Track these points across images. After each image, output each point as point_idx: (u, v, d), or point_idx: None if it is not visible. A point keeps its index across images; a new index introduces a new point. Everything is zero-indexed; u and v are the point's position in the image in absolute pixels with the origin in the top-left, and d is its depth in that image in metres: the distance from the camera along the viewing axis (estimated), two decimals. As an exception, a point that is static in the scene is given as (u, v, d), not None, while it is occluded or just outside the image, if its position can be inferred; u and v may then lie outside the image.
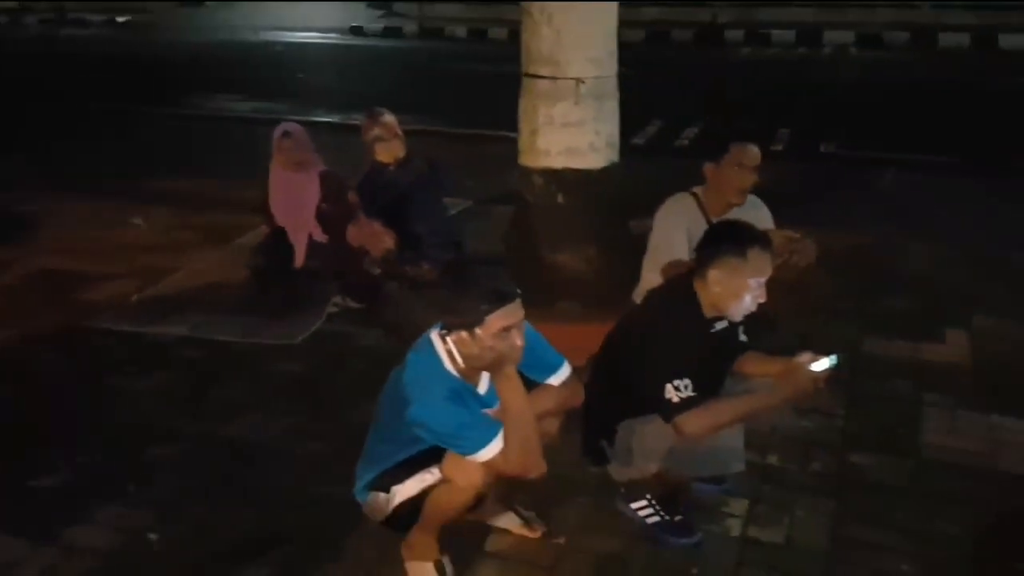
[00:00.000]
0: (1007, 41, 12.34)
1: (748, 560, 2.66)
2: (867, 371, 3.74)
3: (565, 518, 2.83)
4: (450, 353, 2.29)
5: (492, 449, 2.24)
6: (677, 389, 2.49)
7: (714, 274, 2.56)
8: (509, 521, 2.75)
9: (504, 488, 2.70)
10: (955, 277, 4.68)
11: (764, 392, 2.61)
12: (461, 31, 15.41)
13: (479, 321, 2.18)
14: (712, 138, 3.44)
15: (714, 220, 3.32)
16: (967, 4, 13.45)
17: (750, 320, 2.76)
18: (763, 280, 2.56)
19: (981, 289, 4.50)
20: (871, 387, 3.62)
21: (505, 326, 2.19)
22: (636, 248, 3.64)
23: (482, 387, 2.38)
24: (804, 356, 2.61)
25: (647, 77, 10.54)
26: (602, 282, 4.02)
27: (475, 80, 10.73)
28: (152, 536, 2.79)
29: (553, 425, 2.53)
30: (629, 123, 7.96)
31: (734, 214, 3.33)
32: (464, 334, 2.21)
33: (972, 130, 7.83)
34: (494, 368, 2.26)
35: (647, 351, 2.57)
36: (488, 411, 2.34)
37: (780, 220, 3.63)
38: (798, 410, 3.30)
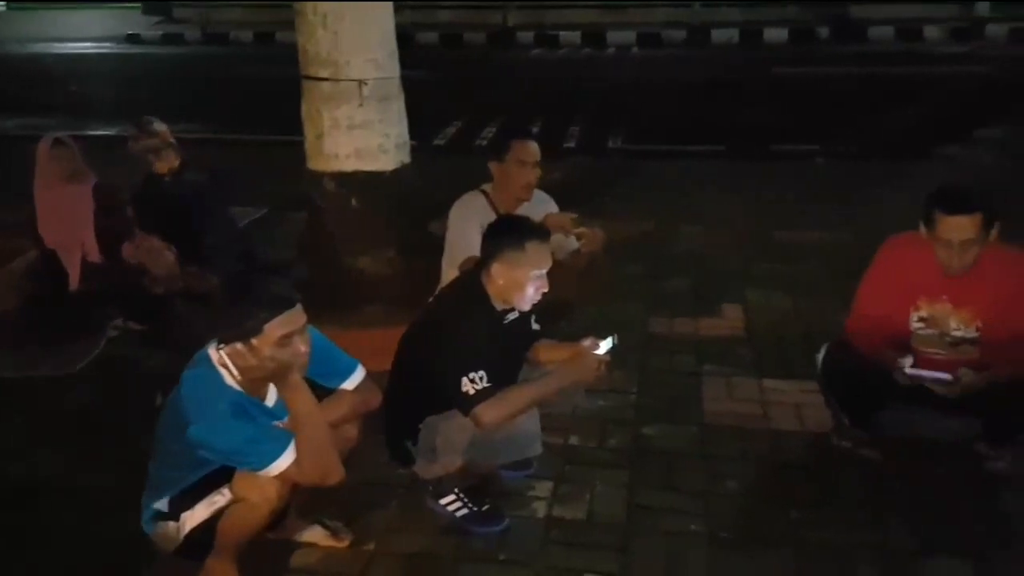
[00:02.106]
0: (771, 35, 13.49)
1: (552, 539, 2.75)
2: (654, 348, 3.98)
3: (375, 523, 2.82)
4: (227, 367, 2.22)
5: (284, 461, 2.19)
6: (472, 381, 2.55)
7: (496, 267, 2.64)
8: (314, 534, 2.69)
9: (307, 502, 2.66)
10: (728, 256, 5.07)
11: (553, 377, 2.72)
12: (247, 35, 14.88)
13: (256, 331, 2.13)
14: (511, 137, 3.55)
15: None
16: (733, 2, 14.55)
17: (545, 308, 2.87)
18: (544, 271, 2.66)
19: (750, 265, 4.89)
20: (658, 363, 3.85)
21: (285, 333, 2.15)
22: (437, 248, 3.68)
23: (270, 399, 2.32)
24: (587, 341, 2.78)
25: (444, 79, 10.70)
26: (404, 284, 4.02)
27: (264, 85, 10.40)
28: None
29: (352, 430, 2.52)
30: (429, 124, 8.07)
31: (523, 209, 3.44)
32: (240, 346, 2.15)
33: (739, 120, 8.48)
34: (278, 378, 2.21)
35: (441, 347, 2.61)
36: (279, 423, 2.28)
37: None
38: (595, 391, 3.45)
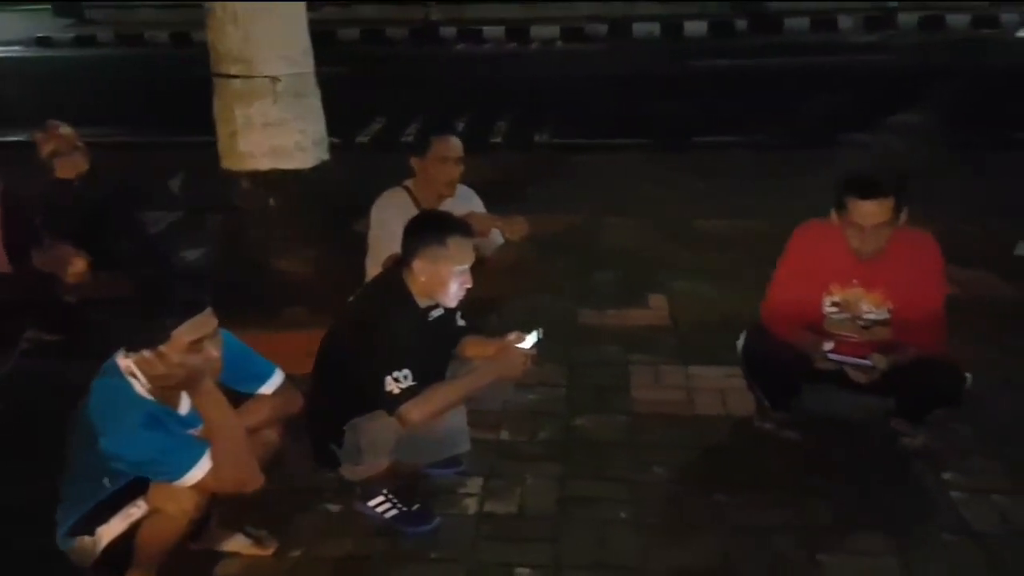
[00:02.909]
0: (691, 28, 13.69)
1: (484, 535, 2.75)
2: (583, 340, 4.01)
3: (301, 529, 2.77)
4: (136, 375, 2.14)
5: (199, 471, 2.13)
6: (397, 380, 2.51)
7: (418, 264, 2.61)
8: (238, 543, 2.64)
9: (230, 510, 2.60)
10: (653, 246, 5.13)
11: (479, 373, 2.70)
12: (163, 36, 14.46)
13: (164, 337, 2.06)
14: (432, 133, 3.52)
15: (428, 212, 3.37)
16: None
17: (473, 304, 2.85)
18: (467, 267, 2.64)
19: (675, 255, 4.96)
20: (587, 355, 3.88)
21: (195, 339, 2.09)
22: (362, 247, 3.63)
23: (183, 407, 2.26)
24: (512, 336, 2.76)
25: (367, 75, 10.57)
26: (328, 284, 3.96)
27: (180, 85, 10.13)
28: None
29: (272, 436, 2.46)
30: (352, 121, 7.94)
31: (447, 205, 3.42)
32: (148, 353, 2.08)
33: (662, 112, 8.57)
34: (190, 385, 2.15)
35: (363, 347, 2.57)
36: (194, 431, 2.22)
37: (499, 209, 3.77)
38: (526, 385, 3.45)
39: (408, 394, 2.52)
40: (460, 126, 8.10)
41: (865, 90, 8.93)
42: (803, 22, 13.45)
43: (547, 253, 4.84)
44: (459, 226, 2.70)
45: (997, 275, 4.53)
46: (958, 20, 12.92)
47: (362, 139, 8.19)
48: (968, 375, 2.94)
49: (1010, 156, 6.75)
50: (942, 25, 12.94)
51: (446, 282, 2.63)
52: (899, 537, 2.66)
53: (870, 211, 2.80)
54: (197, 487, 2.15)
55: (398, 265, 2.72)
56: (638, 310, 4.33)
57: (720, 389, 3.52)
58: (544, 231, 5.06)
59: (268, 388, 2.43)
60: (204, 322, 2.12)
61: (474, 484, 2.99)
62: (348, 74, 9.56)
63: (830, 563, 2.57)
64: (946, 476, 2.95)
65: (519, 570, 2.58)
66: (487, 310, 3.70)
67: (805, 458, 3.08)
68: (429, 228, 2.66)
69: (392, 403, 2.53)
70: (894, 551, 2.60)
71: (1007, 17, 12.76)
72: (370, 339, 2.57)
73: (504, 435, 3.28)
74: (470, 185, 3.69)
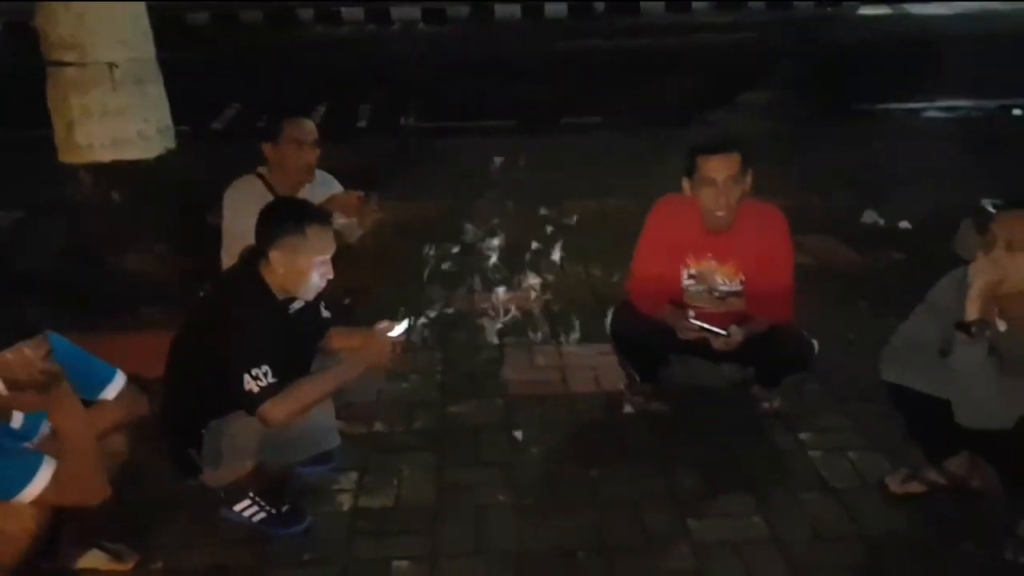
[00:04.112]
0: (551, 9, 13.80)
1: (359, 531, 2.68)
2: (456, 326, 3.98)
3: (162, 540, 2.62)
4: None
5: (37, 485, 1.99)
6: (256, 378, 2.40)
7: (276, 255, 2.49)
8: (94, 559, 2.47)
9: (84, 525, 2.42)
10: (523, 228, 5.12)
11: (345, 365, 2.62)
12: (-5, 25, 13.38)
13: None
14: (283, 116, 3.37)
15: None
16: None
17: (342, 293, 2.74)
18: (327, 256, 2.54)
19: (545, 237, 4.97)
20: (461, 340, 3.86)
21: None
22: (216, 240, 3.46)
23: (15, 421, 2.09)
24: (382, 324, 2.69)
25: (221, 60, 10.10)
26: (180, 280, 3.77)
27: (17, 76, 9.42)
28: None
29: (119, 443, 2.32)
30: (205, 108, 7.56)
31: (305, 192, 3.30)
32: None
33: (527, 94, 8.60)
34: (42, 394, 1.99)
35: (218, 344, 2.44)
36: (28, 444, 2.05)
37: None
38: (399, 374, 3.39)
39: (268, 392, 2.40)
40: (321, 111, 7.87)
41: (720, 69, 9.24)
42: (659, 4, 13.79)
43: (417, 238, 4.78)
44: (318, 214, 2.60)
45: (843, 242, 4.79)
46: (803, -1, 13.59)
47: (215, 127, 7.81)
48: (815, 342, 3.08)
49: (853, 128, 7.15)
50: (789, 4, 13.56)
51: (306, 273, 2.52)
52: (763, 498, 2.76)
53: (719, 164, 2.89)
54: (37, 502, 2.01)
55: (251, 257, 2.58)
56: (510, 293, 4.31)
57: (593, 367, 3.56)
58: (413, 216, 5.01)
59: (110, 393, 2.28)
60: (36, 346, 1.96)
61: (348, 479, 2.91)
62: (200, 60, 9.14)
63: (699, 528, 2.64)
64: (803, 437, 3.09)
65: (397, 563, 2.53)
66: (355, 299, 3.62)
67: (673, 428, 3.16)
68: (286, 216, 2.54)
69: (252, 402, 2.41)
70: (758, 512, 2.70)
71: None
72: (225, 336, 2.43)
73: (378, 427, 3.22)
74: (333, 172, 3.58)
